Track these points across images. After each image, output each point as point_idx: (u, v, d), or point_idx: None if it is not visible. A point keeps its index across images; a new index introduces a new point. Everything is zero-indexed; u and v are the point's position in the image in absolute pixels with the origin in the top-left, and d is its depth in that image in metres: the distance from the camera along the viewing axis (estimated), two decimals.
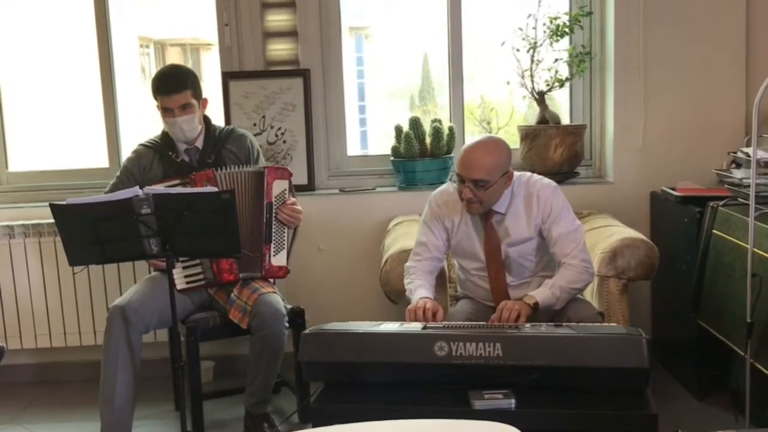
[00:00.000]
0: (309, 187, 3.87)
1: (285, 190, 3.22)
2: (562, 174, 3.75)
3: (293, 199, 3.26)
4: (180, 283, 3.09)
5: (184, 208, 2.68)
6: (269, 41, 3.88)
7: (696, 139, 3.77)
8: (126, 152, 3.64)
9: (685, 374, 3.48)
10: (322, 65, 3.90)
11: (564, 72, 3.82)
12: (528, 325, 2.56)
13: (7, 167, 4.08)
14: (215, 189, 2.97)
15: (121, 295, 3.18)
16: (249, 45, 3.85)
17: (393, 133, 3.88)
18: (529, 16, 3.73)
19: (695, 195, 3.40)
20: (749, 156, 3.06)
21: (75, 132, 4.54)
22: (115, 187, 3.16)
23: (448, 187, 2.99)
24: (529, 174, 2.95)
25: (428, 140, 3.83)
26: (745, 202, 3.01)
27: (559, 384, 2.31)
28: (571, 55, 3.80)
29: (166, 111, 3.14)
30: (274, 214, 3.18)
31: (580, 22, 3.76)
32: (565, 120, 3.96)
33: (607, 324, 2.82)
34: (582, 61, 3.77)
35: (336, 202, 3.87)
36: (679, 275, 3.41)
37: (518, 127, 3.89)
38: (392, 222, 3.69)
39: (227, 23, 3.84)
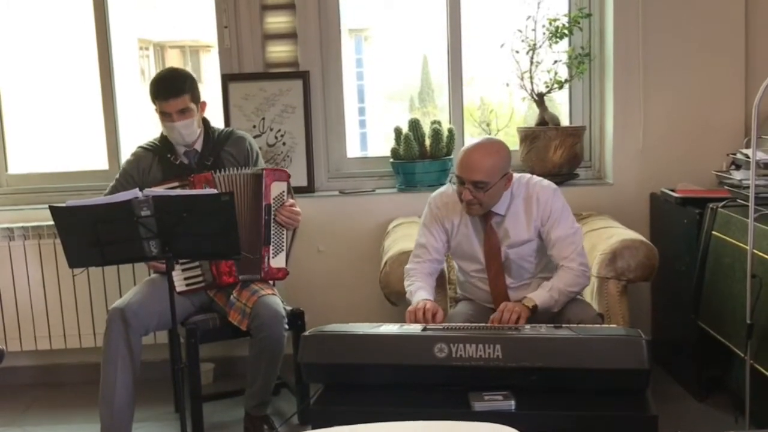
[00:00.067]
0: (309, 189, 3.87)
1: (283, 191, 3.22)
2: (562, 175, 3.75)
3: (292, 201, 3.26)
4: (179, 285, 3.09)
5: (184, 210, 2.68)
6: (269, 43, 3.88)
7: (695, 141, 3.77)
8: (125, 154, 3.65)
9: (685, 375, 3.48)
10: (321, 67, 3.90)
11: (563, 73, 3.82)
12: (528, 326, 2.56)
13: (6, 169, 4.07)
14: (215, 191, 2.96)
15: (120, 297, 3.18)
16: (248, 47, 3.84)
17: (392, 135, 3.88)
18: (529, 17, 3.73)
19: (695, 196, 3.40)
20: (749, 157, 3.06)
21: (75, 134, 4.53)
22: (114, 190, 3.16)
23: (448, 188, 2.99)
24: (528, 176, 2.95)
25: (428, 142, 3.83)
26: (745, 203, 3.01)
27: (559, 385, 2.32)
28: (570, 57, 3.81)
29: (164, 115, 3.14)
30: (272, 216, 3.18)
31: (579, 23, 3.76)
32: (565, 121, 3.96)
33: (606, 325, 2.82)
34: (581, 62, 3.77)
35: (335, 204, 3.87)
36: (678, 276, 3.41)
37: (518, 129, 3.89)
38: (392, 224, 3.69)
39: (227, 25, 3.84)
